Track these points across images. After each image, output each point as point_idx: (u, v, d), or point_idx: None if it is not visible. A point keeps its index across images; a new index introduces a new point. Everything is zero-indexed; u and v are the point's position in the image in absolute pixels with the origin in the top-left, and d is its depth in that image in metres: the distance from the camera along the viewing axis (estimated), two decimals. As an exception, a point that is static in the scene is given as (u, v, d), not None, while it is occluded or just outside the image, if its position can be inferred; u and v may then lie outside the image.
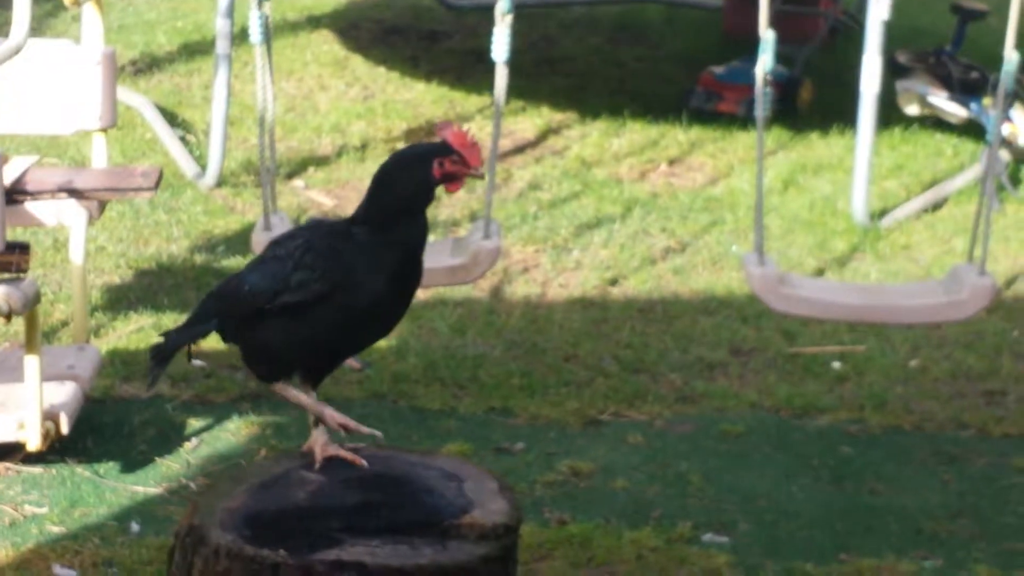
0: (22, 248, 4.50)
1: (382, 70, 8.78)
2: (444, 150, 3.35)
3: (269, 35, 4.88)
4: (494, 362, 5.64)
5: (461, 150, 3.34)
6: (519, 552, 3.45)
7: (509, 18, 4.83)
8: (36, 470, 4.74)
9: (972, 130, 7.94)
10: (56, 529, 4.43)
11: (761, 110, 4.79)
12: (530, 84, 8.64)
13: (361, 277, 3.36)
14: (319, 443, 3.54)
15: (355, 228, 3.37)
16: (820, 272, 6.52)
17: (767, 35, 4.73)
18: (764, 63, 4.74)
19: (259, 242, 4.87)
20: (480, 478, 3.56)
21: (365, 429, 3.47)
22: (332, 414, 3.45)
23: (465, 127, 3.38)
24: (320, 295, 3.32)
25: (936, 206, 7.23)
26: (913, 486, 4.89)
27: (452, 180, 3.36)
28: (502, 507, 3.42)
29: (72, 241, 5.15)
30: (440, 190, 3.35)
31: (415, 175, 3.32)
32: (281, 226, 4.88)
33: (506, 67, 4.85)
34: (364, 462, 3.44)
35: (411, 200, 3.32)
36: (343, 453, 3.47)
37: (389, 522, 3.34)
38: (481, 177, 3.45)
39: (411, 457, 3.63)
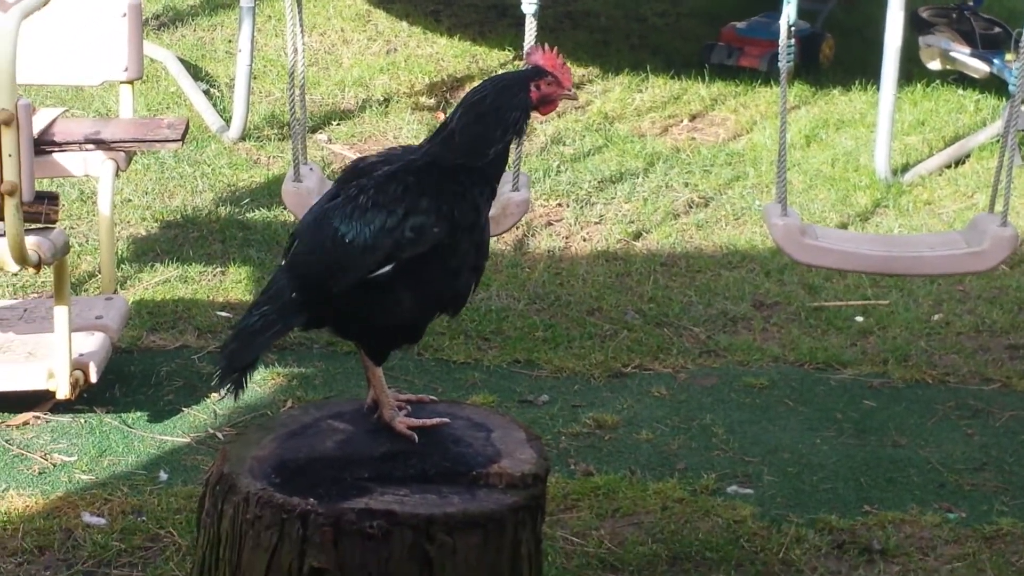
0: (51, 198, 4.48)
1: (404, 24, 8.77)
2: (539, 72, 3.29)
3: (300, -13, 4.87)
4: (518, 315, 5.66)
5: (554, 71, 3.28)
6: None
7: (537, -32, 4.82)
8: (65, 419, 4.77)
9: (994, 85, 7.91)
10: (85, 478, 4.46)
11: (784, 61, 4.77)
12: (552, 39, 8.60)
13: (477, 215, 3.23)
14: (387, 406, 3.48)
15: (440, 161, 3.21)
16: (843, 227, 6.51)
17: (790, -12, 4.72)
18: (788, 15, 4.73)
19: (289, 193, 4.85)
20: (507, 428, 3.56)
21: (431, 422, 3.45)
22: (401, 421, 3.40)
23: (553, 49, 3.31)
24: (441, 240, 3.18)
25: (958, 161, 7.22)
26: (936, 439, 4.90)
27: (547, 103, 3.29)
28: (530, 456, 3.42)
29: (100, 192, 5.15)
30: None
31: (515, 100, 3.22)
32: (311, 177, 4.86)
33: (535, 19, 4.83)
34: (416, 437, 3.39)
35: (511, 127, 3.22)
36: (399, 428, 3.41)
37: (417, 471, 3.35)
38: (575, 98, 3.37)
39: (438, 407, 3.63)
